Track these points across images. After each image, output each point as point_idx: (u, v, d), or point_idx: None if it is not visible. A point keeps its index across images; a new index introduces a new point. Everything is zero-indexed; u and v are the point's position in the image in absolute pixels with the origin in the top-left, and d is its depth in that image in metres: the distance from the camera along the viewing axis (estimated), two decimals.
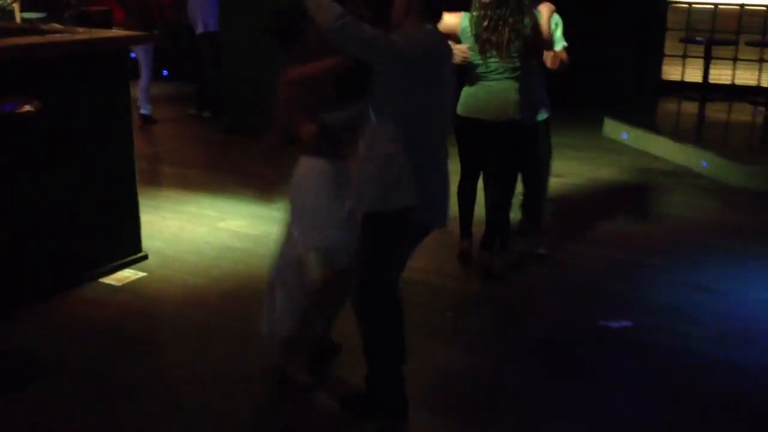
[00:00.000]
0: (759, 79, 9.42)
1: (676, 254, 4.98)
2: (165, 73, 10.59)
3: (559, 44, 4.56)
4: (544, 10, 4.40)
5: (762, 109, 8.61)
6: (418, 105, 2.84)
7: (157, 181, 6.34)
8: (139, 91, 8.07)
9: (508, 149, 4.36)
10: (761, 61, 9.39)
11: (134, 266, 4.56)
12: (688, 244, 5.16)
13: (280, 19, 3.23)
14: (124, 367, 3.52)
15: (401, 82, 2.80)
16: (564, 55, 4.54)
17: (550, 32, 4.42)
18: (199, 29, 8.46)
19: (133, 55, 8.68)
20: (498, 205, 4.51)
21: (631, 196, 6.18)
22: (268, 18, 3.25)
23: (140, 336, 3.84)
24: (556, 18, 4.54)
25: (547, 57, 4.46)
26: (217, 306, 4.15)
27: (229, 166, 7.41)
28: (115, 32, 5.97)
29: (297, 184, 3.30)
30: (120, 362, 3.57)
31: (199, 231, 5.22)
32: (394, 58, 2.76)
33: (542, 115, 4.63)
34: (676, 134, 7.69)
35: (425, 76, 2.83)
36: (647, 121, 8.17)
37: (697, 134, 8.14)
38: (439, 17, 2.94)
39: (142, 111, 8.26)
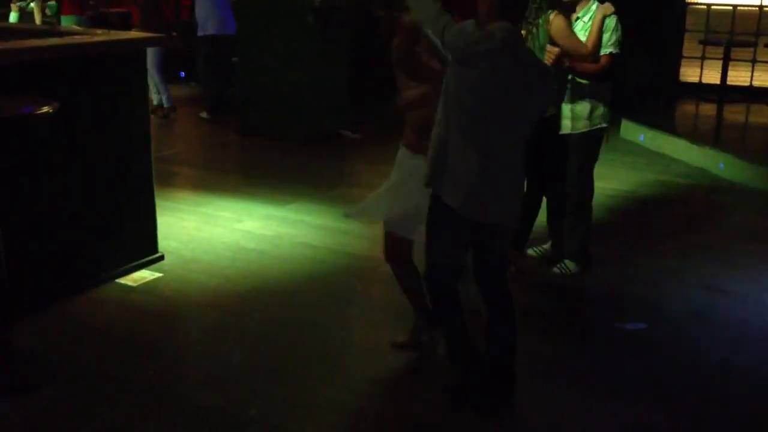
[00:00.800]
0: None
1: (692, 257, 4.94)
2: (182, 74, 10.66)
3: (605, 50, 4.30)
4: (598, 14, 4.27)
5: None
6: (473, 96, 2.91)
7: (173, 182, 6.38)
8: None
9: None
10: None
11: (150, 267, 4.59)
12: (705, 246, 5.13)
13: None
14: (137, 369, 3.54)
15: (461, 70, 2.91)
16: (555, 51, 4.22)
17: (597, 37, 4.22)
18: (199, 32, 8.55)
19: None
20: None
21: (647, 198, 6.14)
22: None
23: (155, 337, 3.86)
24: (611, 22, 4.28)
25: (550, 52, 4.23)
26: (232, 307, 4.17)
27: (244, 168, 7.47)
28: (134, 34, 6.03)
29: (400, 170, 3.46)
30: (133, 363, 3.59)
31: (216, 232, 5.25)
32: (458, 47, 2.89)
33: (549, 111, 4.48)
34: (694, 136, 7.63)
35: (486, 70, 2.88)
36: (665, 123, 8.11)
37: (715, 136, 8.08)
38: (515, 19, 3.04)
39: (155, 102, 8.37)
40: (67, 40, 4.38)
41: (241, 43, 8.06)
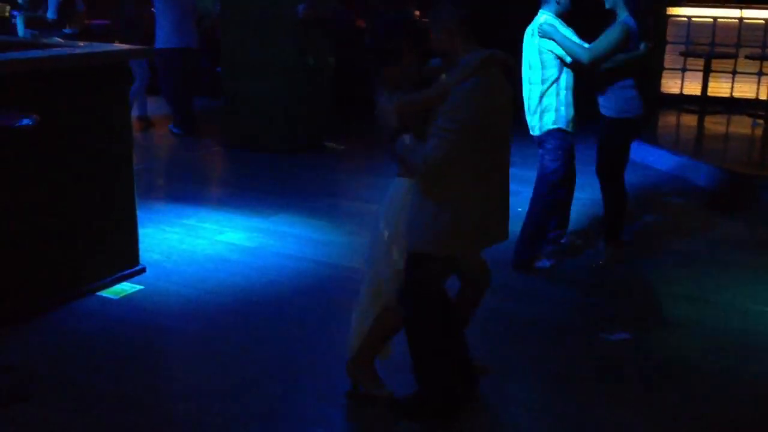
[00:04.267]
0: (758, 92, 9.43)
1: (675, 266, 4.97)
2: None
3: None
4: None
5: (761, 121, 8.62)
6: (480, 146, 2.90)
7: (156, 194, 6.35)
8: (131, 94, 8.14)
9: None
10: (760, 73, 9.41)
11: (132, 279, 4.55)
12: (688, 256, 5.16)
13: (383, 38, 3.04)
14: (120, 382, 3.50)
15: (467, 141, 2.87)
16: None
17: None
18: (160, 44, 8.24)
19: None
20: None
21: (629, 209, 6.16)
22: (371, 35, 3.18)
23: (137, 350, 3.82)
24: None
25: None
26: (215, 319, 4.14)
27: (227, 179, 7.45)
28: (115, 46, 6.00)
29: (387, 204, 3.22)
30: (117, 376, 3.55)
31: (198, 244, 5.22)
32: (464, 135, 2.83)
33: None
34: (676, 146, 7.69)
35: (486, 124, 2.89)
36: (647, 134, 8.17)
37: (696, 147, 8.15)
38: (488, 41, 2.97)
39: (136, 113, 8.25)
40: (48, 51, 4.35)
41: (224, 55, 8.05)
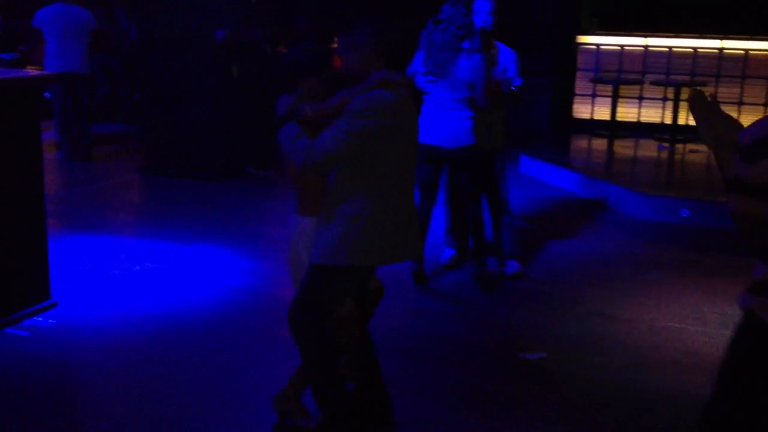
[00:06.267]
0: (663, 117, 9.89)
1: (588, 285, 5.13)
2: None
3: None
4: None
5: (667, 145, 9.03)
6: (385, 160, 2.94)
7: (69, 223, 6.15)
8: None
9: None
10: (665, 99, 9.87)
11: (44, 314, 4.39)
12: (599, 275, 5.34)
13: (287, 66, 3.13)
14: (34, 421, 3.37)
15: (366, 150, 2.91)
16: None
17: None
18: (49, 69, 8.13)
19: (47, 95, 8.47)
20: None
21: (543, 230, 6.34)
22: (296, 54, 3.16)
23: (52, 387, 3.68)
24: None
25: None
26: (133, 353, 4.03)
27: (144, 207, 7.29)
28: (26, 72, 5.84)
29: (294, 245, 3.21)
30: (30, 415, 3.41)
31: (114, 275, 5.08)
32: (357, 142, 2.86)
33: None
34: (587, 169, 7.98)
35: (392, 137, 2.92)
36: (560, 158, 8.47)
37: (607, 169, 8.47)
38: (396, 63, 3.07)
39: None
40: None
41: (142, 80, 7.92)
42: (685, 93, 9.29)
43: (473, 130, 4.77)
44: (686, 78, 9.64)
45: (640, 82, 9.86)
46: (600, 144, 9.38)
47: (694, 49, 9.81)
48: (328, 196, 3.00)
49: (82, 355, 4.01)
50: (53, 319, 4.35)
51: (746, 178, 1.86)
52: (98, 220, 6.39)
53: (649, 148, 9.04)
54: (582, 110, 10.33)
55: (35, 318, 4.33)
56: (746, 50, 9.66)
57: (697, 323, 4.54)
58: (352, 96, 2.90)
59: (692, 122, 2.16)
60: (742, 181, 1.88)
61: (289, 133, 2.92)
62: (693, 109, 2.15)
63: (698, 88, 2.07)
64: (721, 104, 2.18)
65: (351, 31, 2.99)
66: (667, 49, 9.94)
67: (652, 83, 9.65)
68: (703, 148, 8.80)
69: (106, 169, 8.27)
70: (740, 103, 9.68)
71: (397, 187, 3.01)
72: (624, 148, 9.12)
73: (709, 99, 2.16)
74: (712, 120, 2.11)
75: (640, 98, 10.02)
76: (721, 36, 9.71)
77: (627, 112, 10.02)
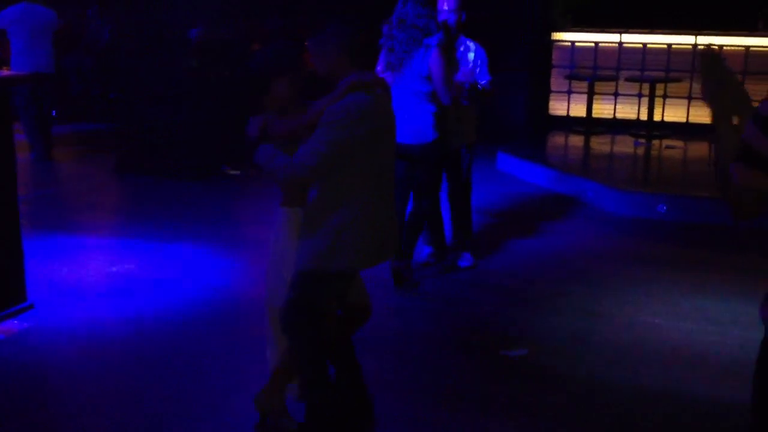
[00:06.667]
0: (638, 113, 9.97)
1: (569, 281, 5.15)
2: (53, 113, 10.23)
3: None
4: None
5: (643, 141, 9.10)
6: (367, 164, 2.92)
7: (45, 224, 6.06)
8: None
9: None
10: (640, 95, 9.94)
11: (19, 317, 4.32)
12: (579, 271, 5.36)
13: (257, 65, 3.10)
14: (8, 428, 3.31)
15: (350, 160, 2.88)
16: None
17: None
18: (15, 69, 8.04)
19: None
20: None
21: (521, 226, 6.36)
22: (265, 55, 3.12)
23: (26, 392, 3.62)
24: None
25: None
26: (110, 356, 3.98)
27: (120, 207, 7.21)
28: None
29: (275, 238, 3.17)
30: (3, 421, 3.35)
31: (90, 276, 5.02)
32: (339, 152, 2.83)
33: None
34: (564, 166, 8.02)
35: (370, 143, 2.89)
36: (537, 154, 8.50)
37: (583, 166, 8.52)
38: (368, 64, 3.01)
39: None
40: None
41: (117, 80, 7.84)
42: (659, 89, 9.38)
43: (435, 125, 4.75)
44: (661, 74, 9.71)
45: (615, 79, 9.91)
46: (576, 140, 9.43)
47: (669, 45, 9.89)
48: (312, 204, 2.97)
49: (56, 360, 3.95)
50: (29, 321, 4.29)
51: (763, 149, 1.78)
52: (73, 220, 6.30)
53: (625, 144, 9.11)
54: (558, 107, 10.37)
55: (11, 321, 4.27)
56: (720, 46, 9.76)
57: (675, 318, 4.58)
58: (326, 106, 2.86)
59: (668, 118, 2.13)
60: (757, 153, 1.79)
61: (265, 154, 2.89)
62: (704, 71, 2.02)
63: (712, 47, 1.91)
64: (694, 99, 2.14)
65: (321, 35, 2.97)
66: (641, 46, 10.01)
67: (627, 79, 9.71)
68: (679, 143, 8.90)
69: (80, 169, 8.17)
70: None
71: (379, 188, 3.00)
72: (600, 144, 9.17)
73: (723, 63, 2.03)
74: (721, 87, 2.00)
75: (616, 94, 10.08)
76: (695, 32, 9.80)
77: (603, 109, 10.08)
